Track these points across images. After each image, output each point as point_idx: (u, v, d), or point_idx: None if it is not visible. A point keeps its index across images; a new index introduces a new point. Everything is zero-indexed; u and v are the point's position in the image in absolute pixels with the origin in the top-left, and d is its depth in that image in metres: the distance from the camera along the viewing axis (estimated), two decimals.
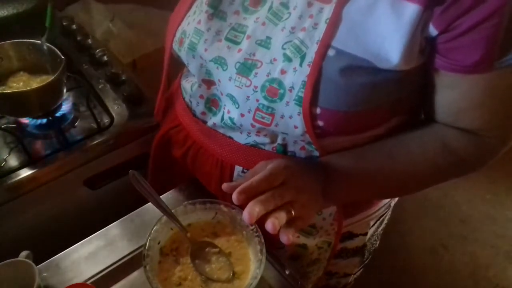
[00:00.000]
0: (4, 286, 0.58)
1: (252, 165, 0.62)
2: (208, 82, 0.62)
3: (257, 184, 0.49)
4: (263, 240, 0.62)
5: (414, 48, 0.47)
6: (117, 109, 0.91)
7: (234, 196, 0.47)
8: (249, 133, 0.61)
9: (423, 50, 0.49)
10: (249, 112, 0.56)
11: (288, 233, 0.48)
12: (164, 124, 0.77)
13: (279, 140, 0.60)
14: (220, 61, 0.57)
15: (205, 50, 0.58)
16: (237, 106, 0.57)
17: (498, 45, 0.45)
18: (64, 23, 1.08)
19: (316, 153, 0.60)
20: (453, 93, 0.51)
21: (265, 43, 0.54)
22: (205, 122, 0.66)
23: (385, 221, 0.82)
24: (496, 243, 1.71)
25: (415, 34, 0.46)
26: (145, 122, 0.89)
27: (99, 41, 1.10)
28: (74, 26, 1.09)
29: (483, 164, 0.58)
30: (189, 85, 0.67)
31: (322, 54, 0.49)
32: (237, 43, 0.56)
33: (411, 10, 0.45)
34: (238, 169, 0.64)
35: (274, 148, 0.61)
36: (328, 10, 0.49)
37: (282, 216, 0.48)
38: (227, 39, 0.57)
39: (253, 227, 0.63)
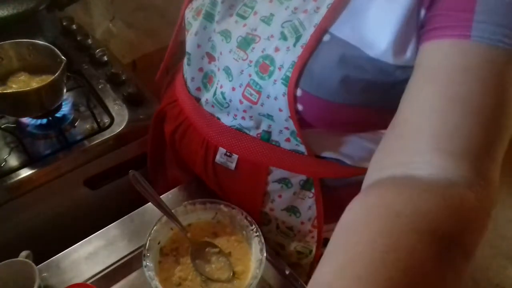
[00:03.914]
0: (4, 286, 0.58)
1: (235, 149, 0.63)
2: (210, 57, 0.62)
3: None
4: (263, 240, 0.62)
5: (407, 37, 0.45)
6: (117, 109, 0.91)
7: None
8: (235, 115, 0.61)
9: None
10: (240, 86, 0.57)
11: None
12: (163, 100, 0.77)
13: (264, 127, 0.60)
14: (226, 34, 0.58)
15: (217, 22, 0.59)
16: (230, 79, 0.58)
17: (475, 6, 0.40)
18: (64, 23, 1.08)
19: (302, 148, 0.59)
20: (433, 86, 0.41)
21: (267, 20, 0.55)
22: (198, 100, 0.67)
23: None
24: (496, 244, 1.70)
25: (410, 21, 0.44)
26: (145, 122, 0.89)
27: (99, 41, 1.10)
28: (74, 26, 1.08)
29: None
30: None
31: (317, 38, 0.49)
32: (244, 18, 0.57)
33: None
34: (221, 151, 0.64)
35: (258, 135, 0.61)
36: None
37: None
38: (237, 14, 0.58)
39: (253, 227, 0.63)
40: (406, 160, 0.40)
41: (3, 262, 0.58)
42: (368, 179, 0.43)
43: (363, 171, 0.46)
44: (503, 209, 1.81)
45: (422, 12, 0.44)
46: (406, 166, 0.40)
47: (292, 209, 0.67)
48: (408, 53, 0.46)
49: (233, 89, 0.58)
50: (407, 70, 0.46)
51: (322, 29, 0.49)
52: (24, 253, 0.61)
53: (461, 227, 0.36)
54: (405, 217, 0.36)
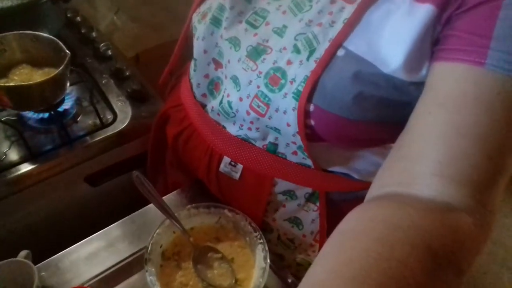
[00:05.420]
0: (3, 285, 0.57)
1: (240, 159, 0.62)
2: (217, 63, 0.61)
3: None
4: (267, 248, 0.61)
5: (422, 54, 0.44)
6: (120, 105, 0.89)
7: None
8: (242, 125, 0.60)
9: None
10: (247, 97, 0.55)
11: None
12: (167, 102, 0.76)
13: (271, 139, 0.59)
14: (235, 42, 0.56)
15: (225, 28, 0.58)
16: (238, 89, 0.57)
17: (493, 32, 0.39)
18: (69, 15, 1.06)
19: (309, 162, 0.58)
20: (442, 112, 0.41)
21: (280, 31, 0.53)
22: (204, 106, 0.65)
23: None
24: (493, 250, 1.71)
25: (425, 38, 0.44)
26: (148, 120, 0.87)
27: (104, 34, 1.09)
28: (78, 18, 1.07)
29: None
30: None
31: (331, 53, 0.48)
32: (255, 27, 0.56)
33: (424, 10, 0.43)
34: (226, 160, 0.63)
35: (265, 146, 0.60)
36: (348, 11, 0.48)
37: None
38: (247, 22, 0.56)
39: (257, 233, 0.63)
40: (408, 182, 0.41)
41: (1, 262, 0.57)
42: (369, 195, 0.45)
43: (370, 185, 0.47)
44: (500, 216, 1.82)
45: (438, 28, 0.43)
46: (408, 187, 0.41)
47: (295, 220, 0.66)
48: (424, 70, 0.45)
49: (240, 99, 0.56)
50: (421, 86, 0.45)
51: (337, 44, 0.47)
52: (23, 253, 0.60)
53: (455, 247, 0.37)
54: (402, 230, 0.37)
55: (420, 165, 0.41)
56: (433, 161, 0.40)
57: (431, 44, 0.44)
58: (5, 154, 0.79)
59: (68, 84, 0.83)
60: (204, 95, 0.65)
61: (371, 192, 0.45)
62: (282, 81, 0.51)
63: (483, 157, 0.39)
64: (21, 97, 0.77)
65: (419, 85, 0.46)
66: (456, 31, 0.42)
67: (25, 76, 0.82)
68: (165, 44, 1.35)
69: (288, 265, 0.71)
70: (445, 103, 0.41)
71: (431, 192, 0.40)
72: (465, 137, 0.40)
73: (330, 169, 0.61)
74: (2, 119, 0.82)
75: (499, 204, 0.42)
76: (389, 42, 0.45)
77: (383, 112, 0.50)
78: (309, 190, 0.62)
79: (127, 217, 0.70)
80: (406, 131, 0.44)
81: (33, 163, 0.78)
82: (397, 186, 0.42)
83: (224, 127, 0.63)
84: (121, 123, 0.86)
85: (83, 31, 1.03)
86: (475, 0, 0.40)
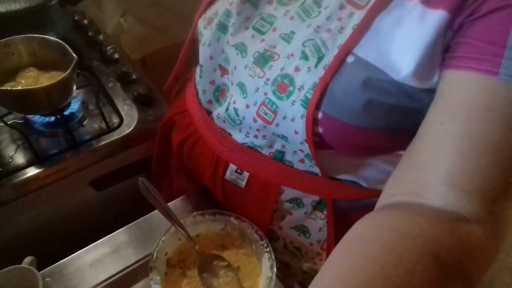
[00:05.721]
0: None
1: (246, 167, 0.61)
2: (223, 70, 0.60)
3: None
4: (273, 256, 0.60)
5: (434, 61, 0.44)
6: (126, 109, 0.89)
7: None
8: (248, 133, 0.59)
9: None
10: (254, 104, 0.55)
11: None
12: (172, 108, 0.76)
13: (278, 146, 0.58)
14: (242, 48, 0.56)
15: (231, 34, 0.57)
16: (244, 96, 0.56)
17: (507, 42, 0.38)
18: (76, 18, 1.06)
19: (316, 170, 0.58)
20: (454, 122, 0.41)
21: (287, 37, 0.52)
22: (210, 113, 0.65)
23: None
24: (501, 258, 1.69)
25: (437, 43, 0.43)
26: (154, 124, 0.87)
27: (111, 37, 1.09)
28: (85, 21, 1.07)
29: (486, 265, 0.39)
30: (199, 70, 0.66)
31: (340, 60, 0.47)
32: (262, 33, 0.55)
33: (437, 16, 0.42)
34: (232, 167, 0.62)
35: (271, 154, 0.59)
36: (357, 17, 0.47)
37: None
38: (254, 28, 0.56)
39: (263, 242, 0.62)
40: (419, 191, 0.41)
41: (6, 269, 0.57)
42: (379, 203, 0.45)
43: (378, 193, 0.46)
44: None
45: (449, 34, 0.43)
46: (418, 196, 0.40)
47: (301, 229, 0.65)
48: (435, 77, 0.44)
49: (247, 106, 0.56)
50: (433, 93, 0.44)
51: (346, 51, 0.47)
52: (28, 259, 0.60)
53: (465, 257, 0.37)
54: (410, 238, 0.36)
55: (431, 174, 0.40)
56: (444, 171, 0.40)
57: (442, 50, 0.43)
58: (11, 157, 0.79)
59: (74, 88, 0.82)
60: (209, 101, 0.64)
61: (381, 201, 0.45)
62: (290, 88, 0.50)
63: (495, 167, 0.39)
64: (28, 100, 0.77)
65: (431, 92, 0.45)
66: (469, 39, 0.41)
67: (32, 79, 0.82)
68: (172, 47, 1.35)
69: (294, 273, 0.70)
70: (456, 113, 0.40)
71: (441, 202, 0.39)
72: (477, 147, 0.39)
73: (338, 177, 0.60)
74: (9, 123, 0.82)
75: None
76: (400, 49, 0.44)
77: (393, 120, 0.49)
78: (316, 198, 0.61)
79: (133, 223, 0.69)
80: (417, 139, 0.44)
81: (39, 167, 0.78)
82: (407, 195, 0.42)
83: (230, 134, 0.62)
84: (127, 127, 0.86)
85: (90, 34, 1.03)
86: (490, 6, 0.40)
